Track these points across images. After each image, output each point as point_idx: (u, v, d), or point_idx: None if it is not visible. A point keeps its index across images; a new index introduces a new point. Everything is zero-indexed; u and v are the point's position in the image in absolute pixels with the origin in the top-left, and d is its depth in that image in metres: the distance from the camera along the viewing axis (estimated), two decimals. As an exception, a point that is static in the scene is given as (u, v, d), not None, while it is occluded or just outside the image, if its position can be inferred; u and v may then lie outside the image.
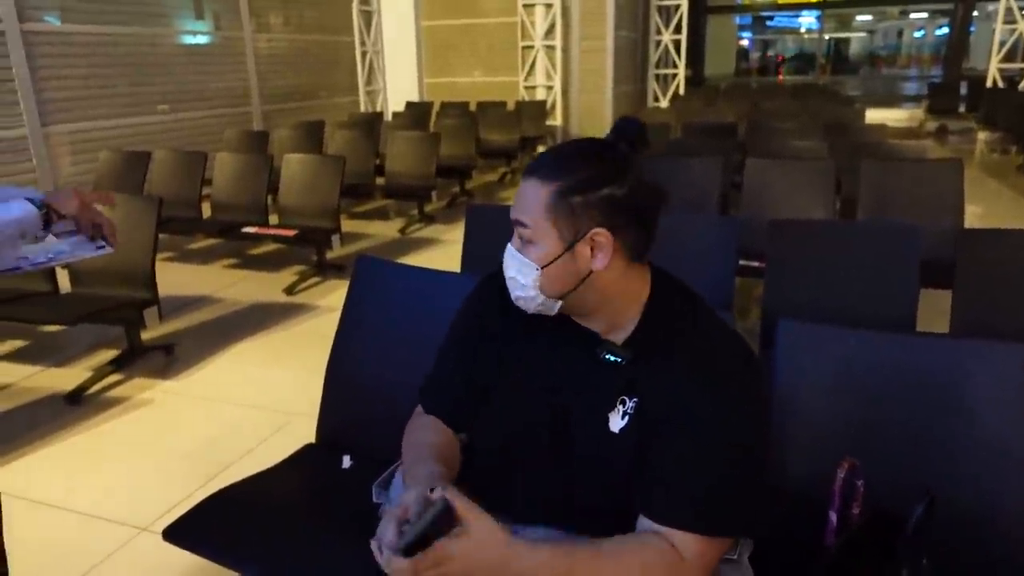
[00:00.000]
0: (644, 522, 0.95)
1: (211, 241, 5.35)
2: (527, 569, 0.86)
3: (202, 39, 7.77)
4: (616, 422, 0.99)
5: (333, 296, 4.25)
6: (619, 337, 1.03)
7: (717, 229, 2.55)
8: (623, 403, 0.99)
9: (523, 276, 1.00)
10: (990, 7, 13.46)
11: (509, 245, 1.03)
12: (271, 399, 2.95)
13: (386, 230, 5.99)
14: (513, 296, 1.04)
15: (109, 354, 3.32)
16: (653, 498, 0.94)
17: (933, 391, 1.28)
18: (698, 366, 0.97)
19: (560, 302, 1.01)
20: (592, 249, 0.97)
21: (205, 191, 4.99)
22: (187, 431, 2.76)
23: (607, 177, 0.97)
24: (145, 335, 3.44)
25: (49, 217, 1.28)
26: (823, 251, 2.45)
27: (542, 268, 0.98)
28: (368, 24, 10.52)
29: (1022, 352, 1.24)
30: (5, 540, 1.44)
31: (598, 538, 0.92)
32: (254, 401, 2.97)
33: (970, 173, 8.11)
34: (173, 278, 4.46)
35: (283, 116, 8.57)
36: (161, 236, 3.52)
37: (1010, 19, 10.29)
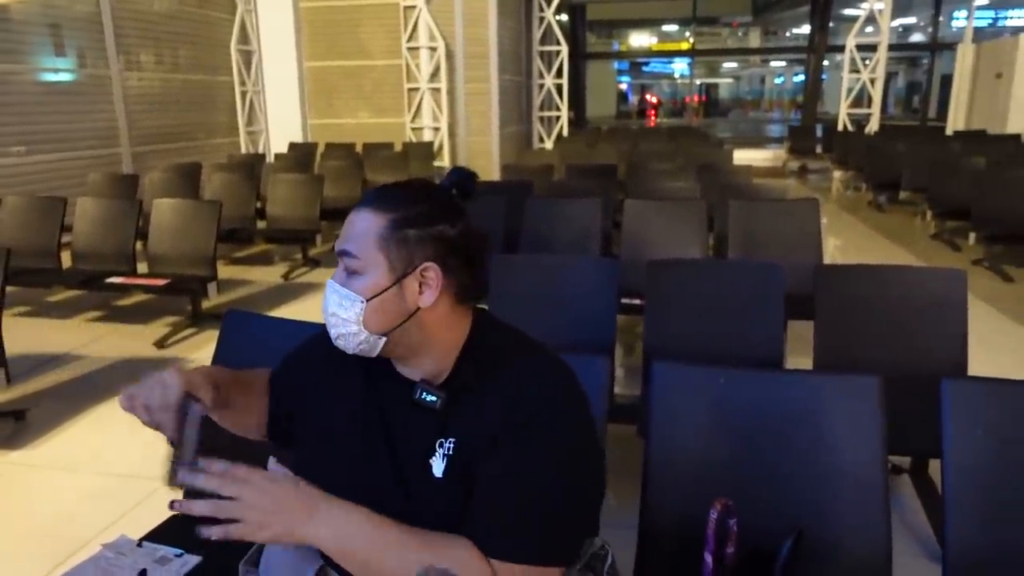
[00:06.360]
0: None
1: (72, 293, 4.96)
2: (336, 518, 0.91)
3: (64, 76, 7.31)
4: (438, 466, 0.97)
5: (209, 348, 3.96)
6: (438, 382, 1.02)
7: (598, 270, 2.61)
8: (441, 446, 0.98)
9: (345, 310, 0.97)
10: (838, 57, 14.80)
11: (330, 280, 1.00)
12: (137, 466, 2.72)
13: (268, 276, 5.77)
14: (334, 336, 1.00)
15: (-53, 424, 2.98)
16: (475, 531, 0.94)
17: (798, 426, 1.34)
18: (509, 399, 0.97)
19: (384, 339, 0.98)
20: (420, 285, 0.98)
21: (66, 239, 4.64)
22: (40, 507, 2.50)
23: (441, 215, 0.99)
24: (-9, 400, 3.12)
25: None
26: (698, 289, 2.54)
27: (367, 300, 0.96)
28: (248, 64, 10.26)
29: (874, 384, 1.32)
30: None
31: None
32: (117, 469, 2.73)
33: (828, 209, 8.79)
34: (27, 335, 4.09)
35: (156, 158, 8.17)
36: (13, 289, 3.22)
37: (855, 68, 11.35)
